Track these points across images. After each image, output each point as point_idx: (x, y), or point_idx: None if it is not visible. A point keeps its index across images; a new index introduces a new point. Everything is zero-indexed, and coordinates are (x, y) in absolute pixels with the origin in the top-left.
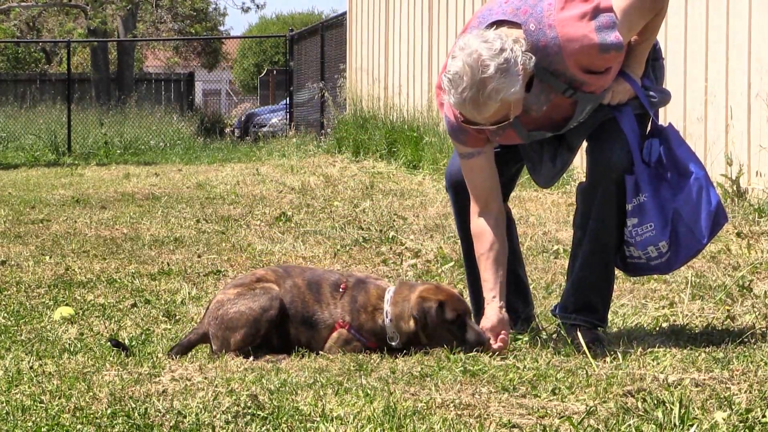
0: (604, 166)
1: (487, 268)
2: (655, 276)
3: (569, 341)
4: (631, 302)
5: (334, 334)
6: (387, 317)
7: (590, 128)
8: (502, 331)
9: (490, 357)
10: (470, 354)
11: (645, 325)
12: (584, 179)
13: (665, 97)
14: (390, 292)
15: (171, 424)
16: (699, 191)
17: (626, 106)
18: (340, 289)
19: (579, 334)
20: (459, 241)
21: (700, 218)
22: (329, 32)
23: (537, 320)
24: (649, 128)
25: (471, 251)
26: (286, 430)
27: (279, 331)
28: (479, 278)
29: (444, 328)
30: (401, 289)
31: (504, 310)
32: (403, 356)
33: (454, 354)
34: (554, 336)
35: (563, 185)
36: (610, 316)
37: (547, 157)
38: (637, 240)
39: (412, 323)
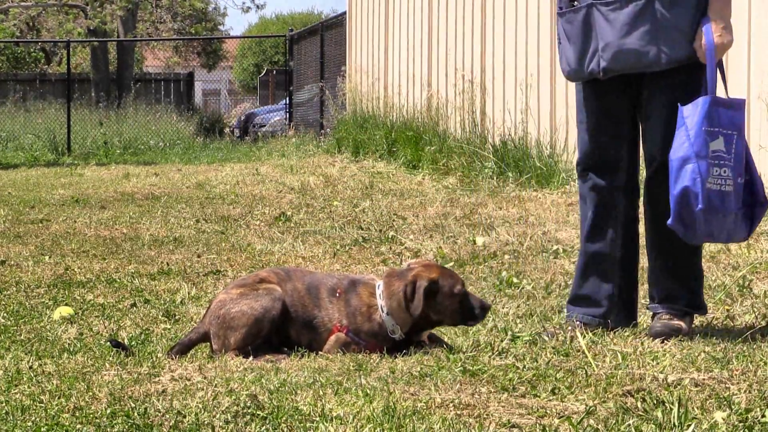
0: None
1: None
2: None
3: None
4: None
5: (332, 338)
6: (383, 312)
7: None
8: None
9: None
10: (470, 354)
11: (645, 325)
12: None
13: None
14: (380, 287)
15: (170, 424)
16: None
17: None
18: (337, 294)
19: (657, 325)
20: (580, 233)
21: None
22: (329, 32)
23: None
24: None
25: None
26: (285, 429)
27: (280, 333)
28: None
29: (448, 302)
30: (391, 281)
31: None
32: (402, 356)
33: (454, 354)
34: (557, 330)
35: (562, 185)
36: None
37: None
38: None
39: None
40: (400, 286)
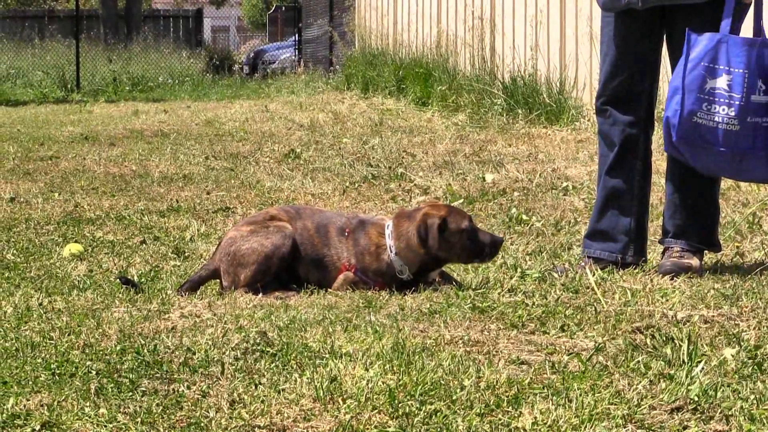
0: None
1: None
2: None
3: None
4: None
5: (340, 277)
6: (392, 252)
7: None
8: None
9: None
10: (479, 290)
11: (654, 262)
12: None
13: None
14: (389, 227)
15: (180, 361)
16: None
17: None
18: (346, 233)
19: (667, 263)
20: (598, 168)
21: None
22: None
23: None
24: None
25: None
26: (295, 366)
27: (289, 271)
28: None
29: (457, 239)
30: (400, 222)
31: None
32: (412, 293)
33: (463, 291)
34: (566, 267)
35: (572, 122)
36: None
37: None
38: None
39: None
40: (409, 227)
